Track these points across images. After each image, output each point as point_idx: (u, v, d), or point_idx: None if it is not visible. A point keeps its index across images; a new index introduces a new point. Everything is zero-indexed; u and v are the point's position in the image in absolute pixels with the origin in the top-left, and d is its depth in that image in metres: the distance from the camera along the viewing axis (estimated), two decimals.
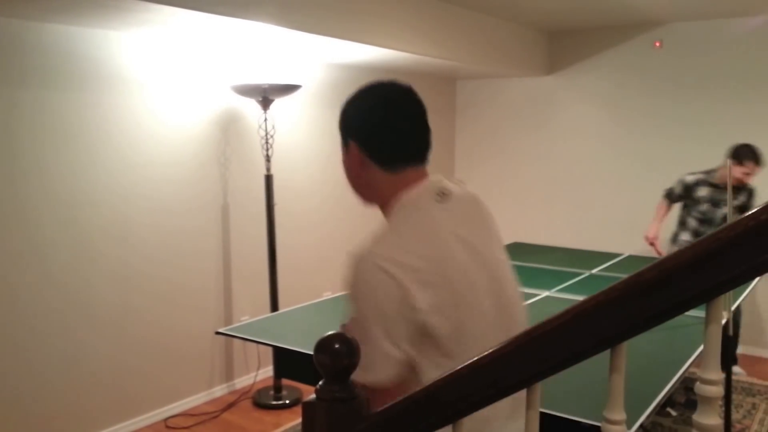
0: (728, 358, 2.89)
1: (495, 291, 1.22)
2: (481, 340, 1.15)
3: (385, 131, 1.22)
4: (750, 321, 4.35)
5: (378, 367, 1.12)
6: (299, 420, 3.39)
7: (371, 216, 4.86)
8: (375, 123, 1.22)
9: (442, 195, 1.23)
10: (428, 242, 1.16)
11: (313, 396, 0.99)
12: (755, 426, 3.34)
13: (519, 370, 0.86)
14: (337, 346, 0.97)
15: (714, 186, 3.73)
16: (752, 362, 4.28)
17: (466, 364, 0.89)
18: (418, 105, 1.26)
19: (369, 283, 1.12)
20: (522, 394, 0.98)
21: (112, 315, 3.23)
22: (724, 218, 3.63)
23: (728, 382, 2.89)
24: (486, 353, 0.87)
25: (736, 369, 4.03)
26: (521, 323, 1.27)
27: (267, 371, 3.98)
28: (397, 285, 1.10)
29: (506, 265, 1.29)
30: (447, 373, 0.91)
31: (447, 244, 1.17)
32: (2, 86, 2.74)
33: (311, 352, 0.99)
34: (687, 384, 3.57)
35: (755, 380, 3.96)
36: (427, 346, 1.14)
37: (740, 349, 4.39)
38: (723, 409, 2.95)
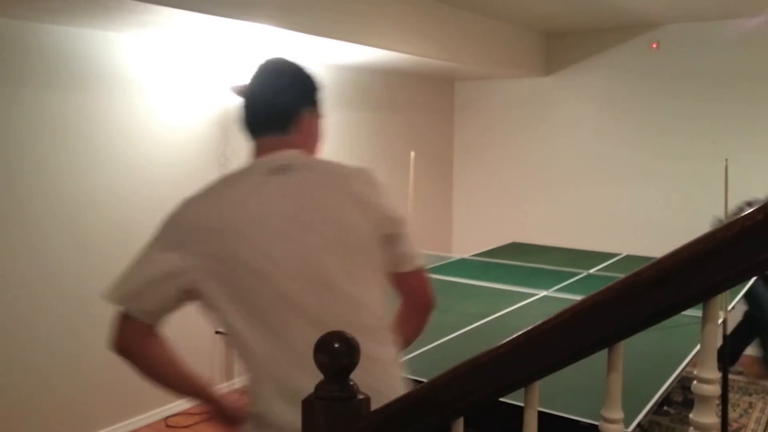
0: (725, 358, 2.91)
1: (299, 269, 1.22)
2: (276, 313, 1.21)
3: (244, 102, 1.33)
4: None
5: (131, 295, 1.22)
6: None
7: None
8: (243, 96, 1.35)
9: (280, 168, 1.27)
10: (228, 203, 1.23)
11: (312, 394, 1.00)
12: (752, 425, 3.35)
13: (517, 369, 0.86)
14: (336, 345, 0.98)
15: None
16: (749, 361, 4.29)
17: (465, 363, 0.90)
18: (278, 77, 1.34)
19: (161, 223, 1.25)
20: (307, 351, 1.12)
21: (113, 314, 3.23)
22: None
23: (725, 381, 2.90)
24: (484, 352, 0.88)
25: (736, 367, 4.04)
26: (340, 304, 1.24)
27: None
28: (178, 231, 1.22)
29: (329, 247, 1.23)
30: (446, 372, 0.92)
31: (249, 209, 1.23)
32: (3, 86, 2.74)
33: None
34: (684, 383, 3.58)
35: (752, 379, 3.97)
36: (203, 301, 1.23)
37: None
38: (720, 407, 2.96)
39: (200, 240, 1.21)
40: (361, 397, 0.99)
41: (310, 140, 1.37)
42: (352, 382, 0.99)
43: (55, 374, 3.00)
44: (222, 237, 1.21)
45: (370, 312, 1.29)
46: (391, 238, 1.31)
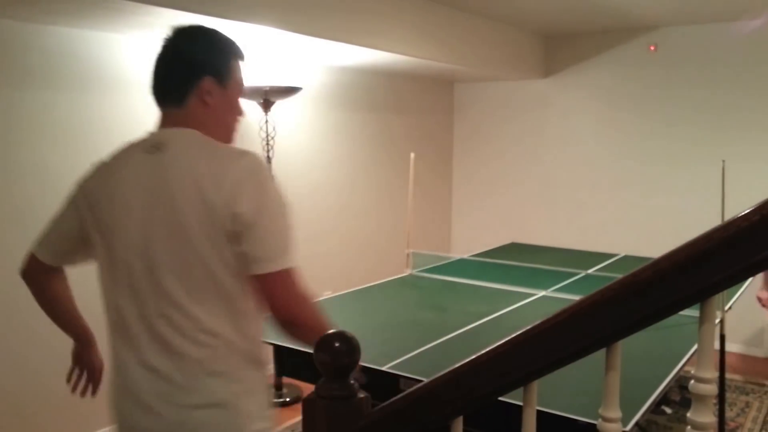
0: (722, 357, 2.92)
1: (138, 256, 1.23)
2: (121, 295, 1.27)
3: (152, 70, 1.31)
4: (743, 320, 4.38)
5: (41, 239, 1.41)
6: (299, 417, 3.40)
7: (370, 216, 4.87)
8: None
9: (155, 146, 1.25)
10: (108, 174, 1.28)
11: (313, 394, 1.01)
12: (749, 424, 3.36)
13: (516, 368, 0.87)
14: (337, 344, 0.99)
15: None
16: (745, 361, 4.31)
17: (465, 362, 0.91)
18: (175, 48, 1.27)
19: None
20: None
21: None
22: None
23: (722, 381, 2.91)
24: (483, 352, 0.89)
25: None
26: (163, 303, 1.21)
27: (267, 369, 3.99)
28: (76, 192, 1.33)
29: (165, 239, 1.19)
30: (446, 372, 0.93)
31: (119, 183, 1.25)
32: (5, 87, 2.75)
33: (311, 351, 1.00)
34: (682, 382, 3.59)
35: (748, 378, 3.99)
36: (95, 257, 1.33)
37: (735, 348, 4.41)
38: (717, 407, 2.97)
39: (87, 204, 1.30)
40: (361, 396, 0.99)
41: (212, 113, 1.27)
42: (352, 381, 1.00)
43: (55, 374, 3.00)
44: (98, 205, 1.28)
45: (195, 321, 1.21)
46: (238, 235, 1.18)
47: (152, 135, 1.28)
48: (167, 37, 1.28)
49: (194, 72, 1.25)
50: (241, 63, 1.32)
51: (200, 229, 1.18)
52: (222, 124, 1.30)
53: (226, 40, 1.30)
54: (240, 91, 1.33)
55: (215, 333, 1.22)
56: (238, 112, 1.34)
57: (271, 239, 1.20)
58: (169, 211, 1.19)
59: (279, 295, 1.22)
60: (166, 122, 1.28)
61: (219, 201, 1.16)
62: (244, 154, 1.22)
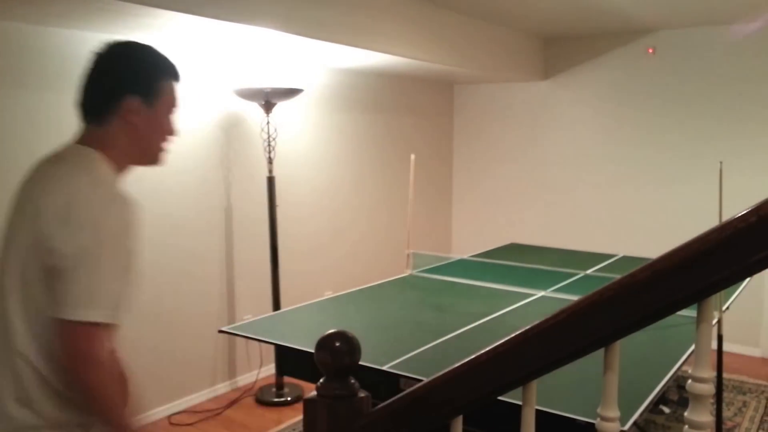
0: (719, 357, 2.93)
1: (3, 253, 1.21)
2: None
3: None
4: (740, 320, 4.39)
5: None
6: (300, 417, 3.41)
7: (370, 216, 4.88)
8: None
9: (56, 159, 1.25)
10: (23, 182, 1.27)
11: (314, 393, 1.01)
12: (746, 423, 3.37)
13: (515, 368, 0.88)
14: (337, 344, 0.99)
15: None
16: (743, 361, 4.32)
17: (464, 362, 0.91)
18: (99, 65, 1.23)
19: None
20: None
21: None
22: None
23: (719, 381, 2.92)
24: (483, 352, 0.90)
25: None
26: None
27: (269, 369, 4.01)
28: None
29: (9, 264, 1.18)
30: (446, 372, 0.93)
31: (21, 192, 1.25)
32: (4, 88, 2.75)
33: (312, 350, 1.01)
34: (680, 382, 3.60)
35: (746, 378, 4.00)
36: None
37: (733, 348, 4.42)
38: (714, 406, 2.98)
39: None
40: (362, 395, 1.00)
41: (136, 133, 1.25)
42: (353, 381, 1.00)
43: None
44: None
45: (19, 343, 1.15)
46: (50, 272, 1.12)
47: (62, 147, 1.27)
48: (96, 52, 1.24)
49: (116, 90, 1.22)
50: (174, 83, 1.29)
51: (35, 256, 1.14)
52: (147, 144, 1.28)
53: (157, 58, 1.27)
54: (171, 111, 1.29)
55: (31, 361, 1.15)
56: (167, 131, 1.30)
57: (79, 284, 1.10)
58: (23, 231, 1.18)
59: (66, 347, 1.11)
60: (79, 137, 1.26)
61: (52, 230, 1.12)
62: (98, 187, 1.17)
